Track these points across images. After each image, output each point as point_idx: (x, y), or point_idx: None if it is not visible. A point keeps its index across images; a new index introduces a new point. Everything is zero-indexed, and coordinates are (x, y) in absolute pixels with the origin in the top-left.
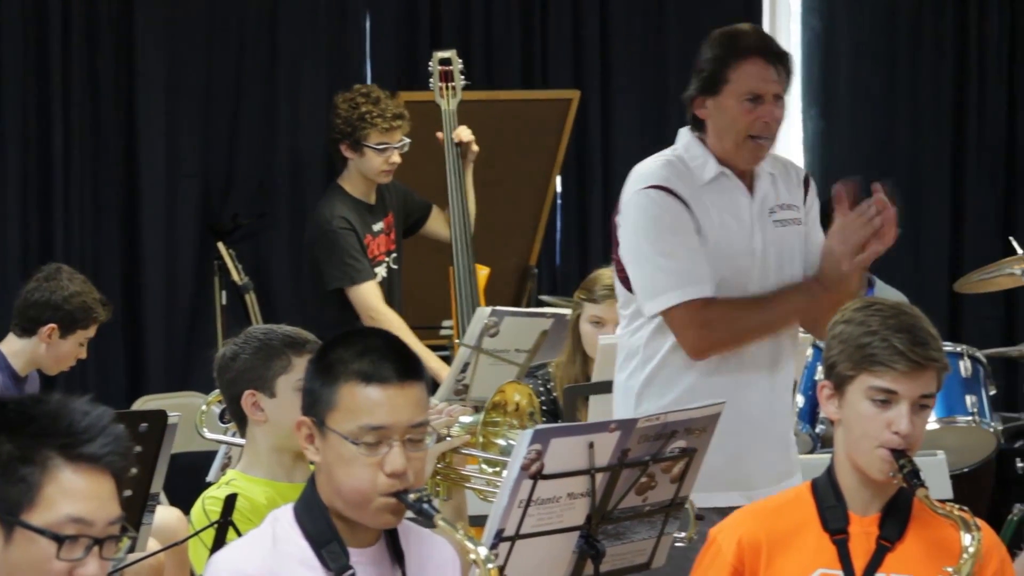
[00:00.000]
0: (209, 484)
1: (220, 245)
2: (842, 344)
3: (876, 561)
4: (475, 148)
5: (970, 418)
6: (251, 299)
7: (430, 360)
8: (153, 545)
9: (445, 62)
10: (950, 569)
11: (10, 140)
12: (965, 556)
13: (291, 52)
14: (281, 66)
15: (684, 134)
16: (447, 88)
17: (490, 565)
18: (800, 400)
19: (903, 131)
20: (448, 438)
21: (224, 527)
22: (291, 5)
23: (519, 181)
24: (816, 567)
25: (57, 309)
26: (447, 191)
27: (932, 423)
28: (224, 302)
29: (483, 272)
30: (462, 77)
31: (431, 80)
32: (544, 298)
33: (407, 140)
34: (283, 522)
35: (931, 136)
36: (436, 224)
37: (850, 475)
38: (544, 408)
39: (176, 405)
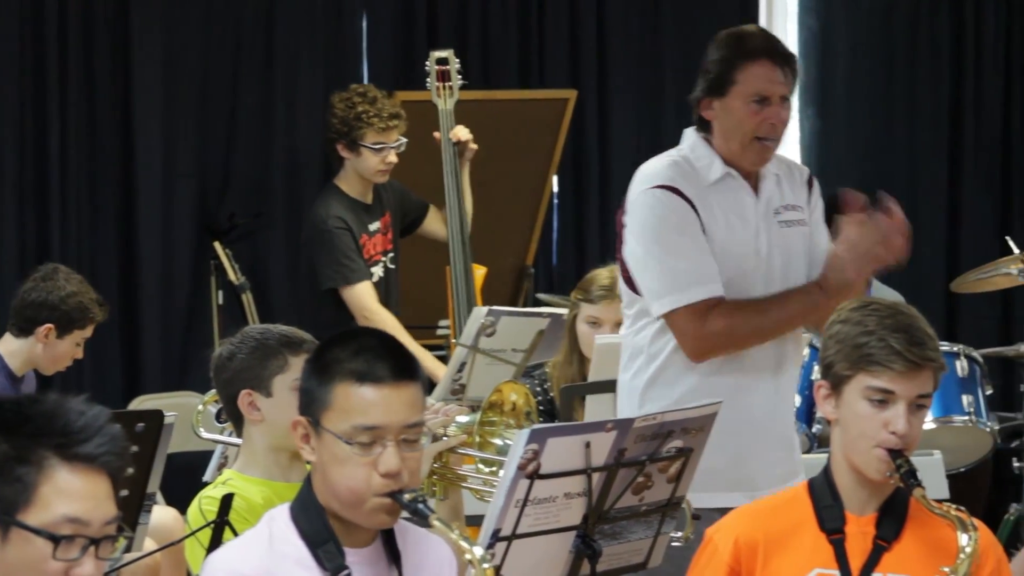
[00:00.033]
0: (205, 484)
1: (217, 245)
2: (839, 344)
3: (873, 561)
4: (473, 147)
5: (967, 418)
6: (248, 299)
7: (426, 360)
8: (150, 545)
9: (442, 62)
10: (947, 569)
11: (6, 140)
12: (962, 556)
13: (288, 52)
14: (278, 66)
15: (689, 135)
16: (444, 88)
17: (485, 565)
18: (796, 400)
19: (900, 130)
20: (445, 438)
21: (220, 527)
22: (288, 5)
23: (516, 181)
24: (813, 567)
25: (54, 309)
26: (444, 191)
27: (929, 423)
28: (221, 302)
29: (480, 272)
30: (459, 77)
31: (428, 80)
32: (541, 296)
33: (404, 140)
34: (279, 522)
35: (928, 136)
36: (433, 224)
37: (847, 475)
38: (540, 408)
39: (173, 405)
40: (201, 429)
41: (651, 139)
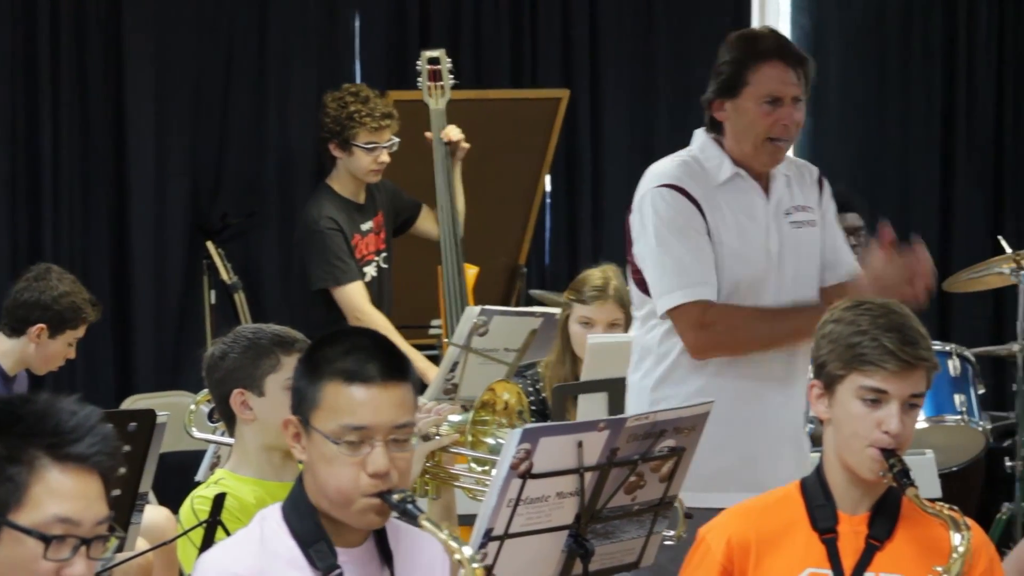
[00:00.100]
0: (198, 483)
1: (209, 244)
2: (832, 344)
3: (865, 560)
4: (465, 146)
5: (959, 417)
6: (240, 298)
7: (417, 360)
8: (142, 544)
9: (433, 61)
10: (939, 568)
11: None
12: (955, 555)
13: (280, 51)
14: (270, 65)
15: (700, 135)
16: (435, 87)
17: (475, 565)
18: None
19: (893, 130)
20: (437, 437)
21: (213, 526)
22: (280, 5)
23: (508, 180)
24: (805, 566)
25: (46, 309)
26: (435, 190)
27: (921, 422)
28: (213, 301)
29: (472, 271)
30: (450, 76)
31: (419, 79)
32: (534, 293)
33: (396, 139)
34: (271, 522)
35: (920, 135)
36: (426, 223)
37: (839, 474)
38: (533, 408)
39: (165, 404)
40: (193, 429)
41: (644, 139)
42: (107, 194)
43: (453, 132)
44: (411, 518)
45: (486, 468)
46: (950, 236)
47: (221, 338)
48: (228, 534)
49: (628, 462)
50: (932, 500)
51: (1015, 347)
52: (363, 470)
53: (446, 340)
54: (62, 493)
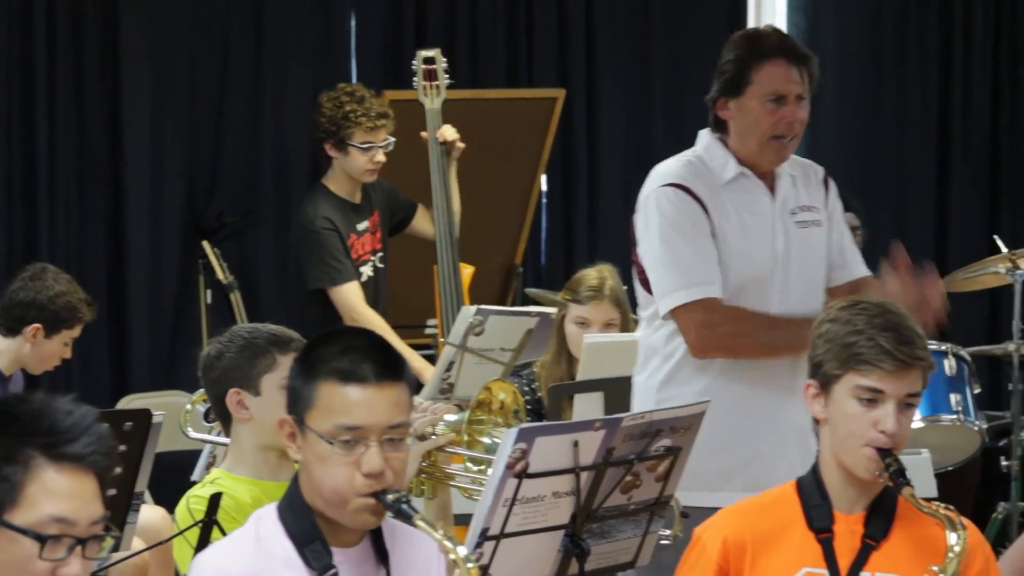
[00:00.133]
0: (194, 483)
1: (205, 244)
2: (828, 343)
3: (861, 560)
4: (460, 146)
5: (955, 416)
6: (236, 298)
7: (413, 360)
8: (138, 544)
9: (429, 61)
10: (935, 568)
11: None
12: (951, 555)
13: (276, 51)
14: (266, 65)
15: (704, 136)
16: (431, 87)
17: (470, 565)
18: None
19: (888, 130)
20: (433, 436)
21: (209, 526)
22: (276, 4)
23: (504, 180)
24: (801, 566)
25: (42, 309)
26: (431, 190)
27: (917, 421)
28: (209, 301)
29: (468, 271)
30: (446, 76)
31: (415, 79)
32: (530, 292)
33: (392, 139)
34: (266, 521)
35: (916, 134)
36: (422, 223)
37: (835, 474)
38: (528, 407)
39: (161, 404)
40: (189, 428)
41: (640, 138)
42: (103, 194)
43: (448, 132)
44: (406, 518)
45: (482, 467)
46: (946, 236)
47: (217, 338)
48: (224, 534)
49: (624, 462)
50: (928, 500)
51: (1011, 346)
52: (358, 470)
53: (442, 340)
54: (58, 493)
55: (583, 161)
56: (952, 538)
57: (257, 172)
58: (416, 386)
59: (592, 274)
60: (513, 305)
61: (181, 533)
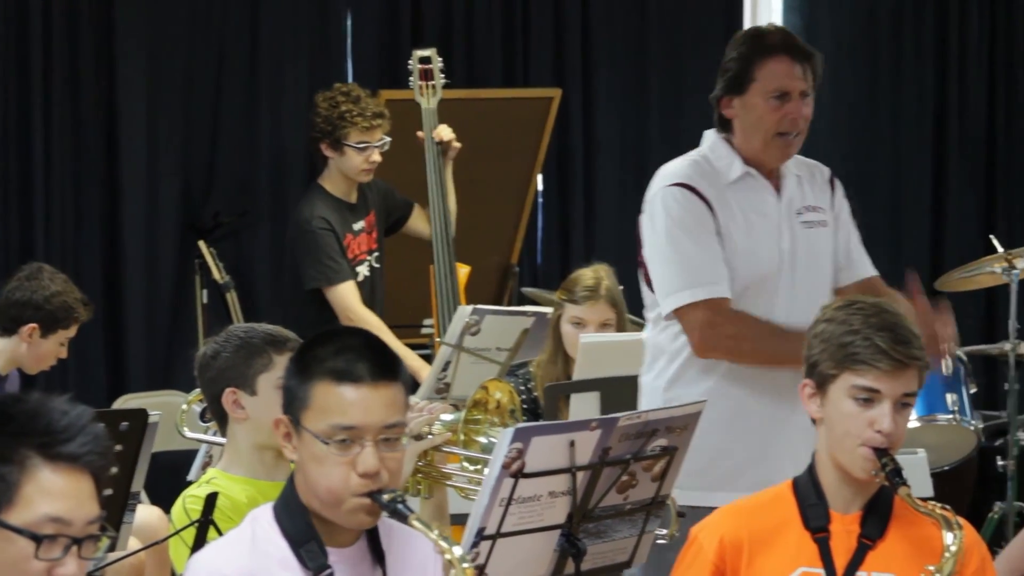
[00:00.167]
0: (190, 483)
1: (201, 244)
2: (824, 343)
3: (857, 559)
4: (456, 146)
5: (951, 416)
6: (232, 298)
7: (410, 359)
8: (134, 544)
9: (425, 60)
10: (932, 567)
11: None
12: (947, 554)
13: (272, 51)
14: (262, 65)
15: (709, 135)
16: (427, 87)
17: (465, 565)
18: None
19: (884, 129)
20: (429, 436)
21: (205, 526)
22: (272, 4)
23: (500, 180)
24: (797, 565)
25: (38, 309)
26: (428, 190)
27: (913, 421)
28: (205, 301)
29: (464, 271)
30: (442, 76)
31: (411, 79)
32: (526, 291)
33: (387, 139)
34: (262, 522)
35: (912, 134)
36: (418, 222)
37: (831, 473)
38: (524, 407)
39: (157, 404)
40: (185, 428)
41: (636, 138)
42: (99, 193)
43: (444, 132)
44: (401, 518)
45: (478, 467)
46: (942, 235)
47: (213, 337)
48: (220, 533)
49: (620, 461)
50: (924, 499)
51: (1007, 346)
52: (353, 470)
53: (438, 339)
54: (53, 492)
55: (579, 161)
56: (948, 538)
57: (253, 172)
58: (412, 385)
59: (588, 274)
60: (509, 305)
61: (177, 533)
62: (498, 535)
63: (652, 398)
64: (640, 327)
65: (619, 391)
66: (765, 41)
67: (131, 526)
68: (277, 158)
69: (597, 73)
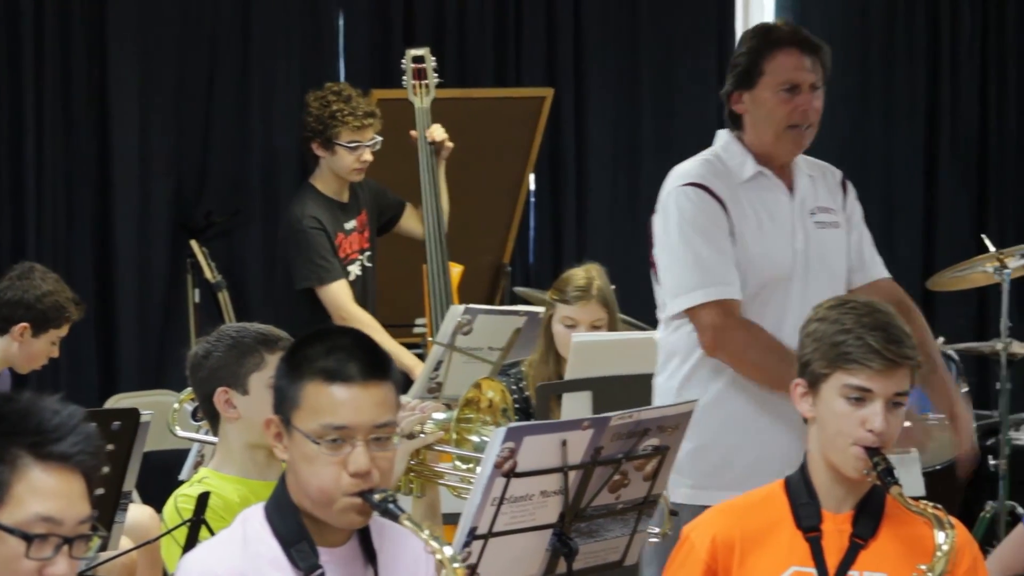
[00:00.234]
0: (182, 482)
1: (193, 243)
2: (816, 342)
3: (849, 559)
4: (449, 145)
5: (943, 416)
6: (224, 297)
7: (404, 357)
8: (125, 543)
9: (418, 60)
10: (923, 567)
11: None
12: (939, 554)
13: (264, 50)
14: (254, 64)
15: (722, 135)
16: (420, 86)
17: (456, 565)
18: None
19: (876, 129)
20: (421, 435)
21: (196, 525)
22: (264, 4)
23: (492, 179)
24: (789, 565)
25: (29, 308)
26: (420, 189)
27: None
28: (197, 300)
29: (456, 270)
30: (435, 75)
31: (404, 78)
32: (518, 290)
33: (379, 138)
34: (253, 522)
35: (904, 134)
36: (410, 222)
37: (823, 473)
38: (516, 407)
39: (149, 403)
40: (177, 427)
41: (628, 137)
42: (91, 193)
43: (437, 132)
44: (392, 518)
45: (471, 466)
46: (934, 235)
47: (205, 337)
48: (212, 533)
49: (612, 461)
50: (916, 498)
51: (998, 345)
52: (344, 470)
53: (431, 339)
54: (44, 492)
55: (571, 160)
56: (940, 537)
57: (245, 171)
58: (404, 384)
59: (580, 274)
60: (501, 304)
61: (169, 532)
62: (490, 534)
63: (665, 399)
64: (631, 326)
65: (611, 390)
66: (774, 34)
67: (123, 525)
68: (269, 158)
69: (589, 73)
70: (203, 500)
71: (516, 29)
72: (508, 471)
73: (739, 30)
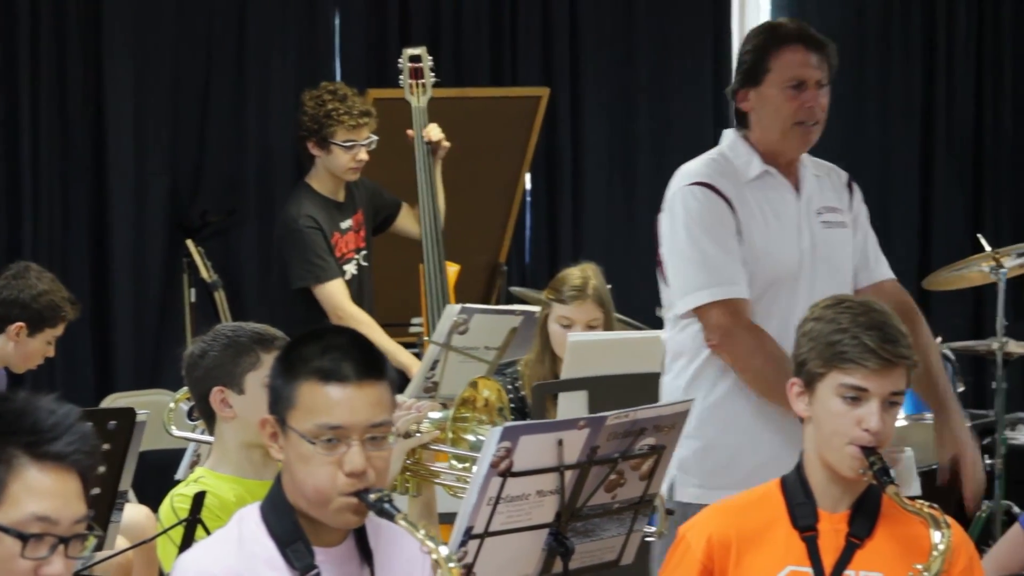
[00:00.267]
0: (178, 482)
1: (189, 243)
2: (812, 341)
3: (845, 558)
4: (446, 145)
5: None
6: (220, 297)
7: (401, 355)
8: (122, 543)
9: (415, 59)
10: (920, 566)
11: None
12: (935, 553)
13: (260, 50)
14: (250, 64)
15: (728, 134)
16: (417, 85)
17: (452, 565)
18: None
19: (872, 129)
20: (418, 434)
21: (193, 525)
22: (260, 3)
23: (489, 178)
24: (786, 564)
25: (25, 307)
26: (417, 188)
27: (901, 420)
28: (193, 300)
29: (453, 269)
30: (432, 74)
31: (401, 77)
32: (514, 290)
33: (374, 137)
34: (249, 522)
35: (900, 134)
36: (406, 221)
37: (819, 472)
38: (512, 406)
39: (145, 403)
40: (173, 427)
41: (624, 137)
42: (87, 192)
43: (434, 132)
44: (388, 517)
45: (467, 465)
46: (929, 234)
47: (201, 336)
48: (208, 532)
49: (608, 460)
50: (912, 498)
51: (994, 345)
52: (340, 469)
53: (427, 338)
54: (40, 491)
55: (567, 160)
56: (936, 536)
57: (241, 171)
58: (398, 384)
59: (575, 274)
60: (497, 304)
61: (165, 532)
62: (486, 534)
63: (672, 398)
64: (627, 326)
65: (607, 390)
66: (779, 31)
67: (119, 525)
68: (265, 157)
69: (585, 72)
70: (199, 499)
71: (512, 29)
72: (504, 470)
73: (735, 30)
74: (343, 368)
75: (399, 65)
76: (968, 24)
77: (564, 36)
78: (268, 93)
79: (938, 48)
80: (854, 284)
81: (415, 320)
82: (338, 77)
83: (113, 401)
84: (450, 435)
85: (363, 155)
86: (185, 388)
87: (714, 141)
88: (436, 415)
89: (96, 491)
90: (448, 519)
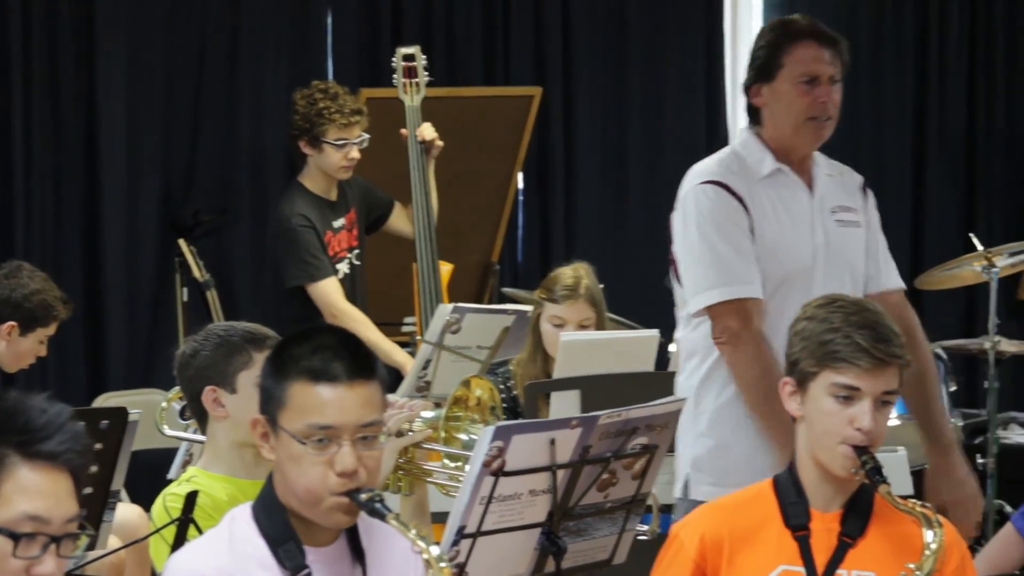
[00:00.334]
0: (170, 481)
1: (181, 242)
2: (804, 341)
3: (838, 557)
4: (439, 144)
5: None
6: (212, 296)
7: (395, 353)
8: (114, 543)
9: (409, 58)
10: (912, 565)
11: None
12: (927, 552)
13: (253, 49)
14: (242, 63)
15: (742, 132)
16: (411, 84)
17: (443, 564)
18: None
19: (865, 128)
20: (410, 433)
21: (185, 524)
22: (252, 2)
23: (481, 178)
24: (778, 563)
25: (17, 307)
26: (410, 187)
27: (893, 419)
28: (185, 299)
29: (446, 268)
30: (426, 73)
31: (395, 76)
32: (506, 291)
33: (366, 136)
34: (240, 522)
35: (892, 133)
36: (399, 220)
37: (812, 471)
38: (504, 406)
39: (137, 402)
40: (165, 426)
41: (616, 136)
42: (79, 192)
43: (428, 131)
44: (379, 517)
45: (459, 464)
46: (922, 233)
47: (193, 336)
48: (200, 532)
49: (601, 460)
50: (904, 497)
51: (987, 344)
52: (331, 469)
53: (419, 338)
54: (31, 491)
55: (560, 159)
56: (928, 536)
57: (233, 170)
58: (390, 384)
59: (568, 273)
60: (490, 303)
61: (157, 531)
62: (478, 533)
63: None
64: (619, 325)
65: (599, 389)
66: (792, 27)
67: (111, 524)
68: (257, 156)
69: (578, 71)
70: (191, 499)
71: (504, 28)
72: (496, 470)
73: (727, 30)
74: (333, 368)
75: (393, 64)
76: (960, 24)
77: (557, 36)
78: (261, 92)
79: (930, 48)
80: (864, 291)
81: (408, 319)
82: (331, 76)
83: (105, 400)
84: (443, 434)
85: (355, 153)
86: (177, 387)
87: (707, 140)
88: (429, 414)
89: (88, 490)
90: (440, 518)
